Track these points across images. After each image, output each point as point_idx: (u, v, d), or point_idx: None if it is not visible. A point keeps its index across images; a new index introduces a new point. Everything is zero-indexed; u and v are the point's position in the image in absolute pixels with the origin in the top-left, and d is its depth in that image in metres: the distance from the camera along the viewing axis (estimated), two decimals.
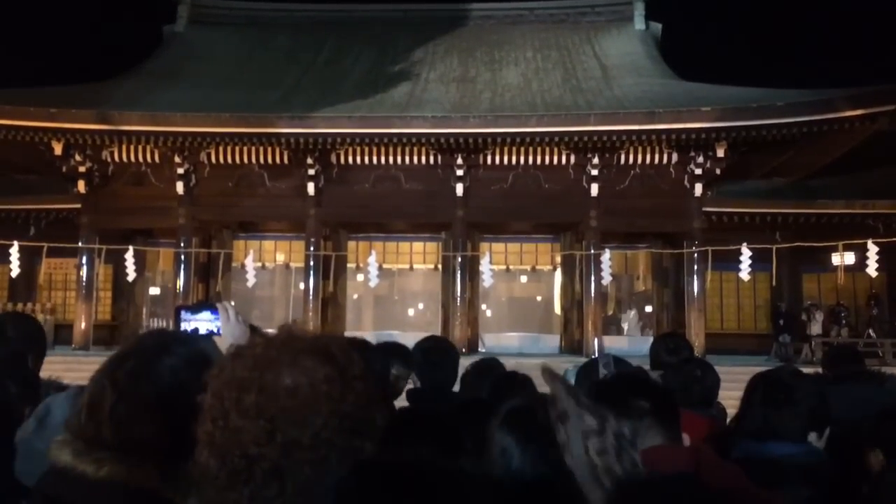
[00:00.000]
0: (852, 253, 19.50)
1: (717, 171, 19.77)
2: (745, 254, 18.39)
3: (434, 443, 1.67)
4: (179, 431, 1.28)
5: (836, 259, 19.61)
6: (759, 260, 18.57)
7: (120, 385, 1.37)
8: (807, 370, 2.86)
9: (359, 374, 1.21)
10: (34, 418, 1.94)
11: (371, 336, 19.37)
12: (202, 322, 1.85)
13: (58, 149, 19.93)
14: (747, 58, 45.46)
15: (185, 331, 1.83)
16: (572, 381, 3.29)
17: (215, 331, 1.83)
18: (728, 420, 3.59)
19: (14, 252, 18.87)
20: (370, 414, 1.21)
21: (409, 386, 3.61)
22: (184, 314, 1.87)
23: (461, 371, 3.76)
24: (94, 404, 1.38)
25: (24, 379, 2.41)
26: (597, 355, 19.41)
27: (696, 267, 19.87)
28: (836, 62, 41.05)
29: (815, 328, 20.11)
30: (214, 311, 1.85)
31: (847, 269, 19.55)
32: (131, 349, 1.46)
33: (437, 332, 20.70)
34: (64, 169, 20.38)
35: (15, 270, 19.30)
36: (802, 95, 18.76)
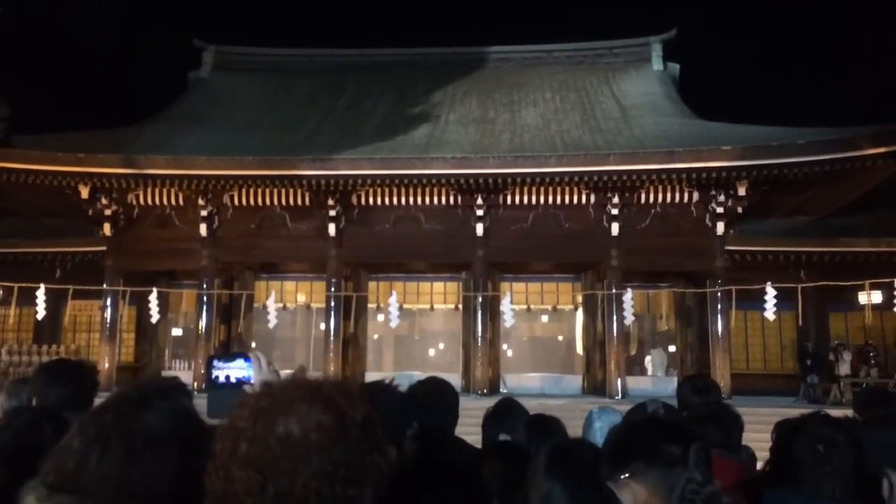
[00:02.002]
0: (879, 291, 19.19)
1: (739, 210, 19.65)
2: (770, 293, 18.14)
3: (452, 490, 1.64)
4: (152, 480, 1.32)
5: (862, 298, 19.31)
6: (784, 299, 18.31)
7: (91, 439, 1.38)
8: (836, 412, 2.79)
9: (360, 422, 1.19)
10: None
11: (391, 377, 19.29)
12: (234, 370, 1.86)
13: (84, 192, 20.29)
14: (766, 97, 45.55)
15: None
16: (597, 423, 3.24)
17: (247, 378, 1.84)
18: (758, 463, 3.50)
19: (40, 294, 19.08)
20: (370, 462, 1.18)
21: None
22: (216, 363, 1.88)
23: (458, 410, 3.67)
24: (63, 453, 1.38)
25: (61, 422, 2.49)
26: (619, 396, 19.05)
27: (719, 306, 19.64)
28: (855, 99, 40.98)
29: (844, 368, 19.71)
30: (247, 359, 1.86)
31: (874, 307, 19.23)
32: (111, 403, 1.46)
33: (459, 372, 20.68)
34: (90, 212, 20.73)
35: (41, 313, 19.50)
36: (823, 134, 18.68)
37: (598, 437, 3.04)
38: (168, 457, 1.36)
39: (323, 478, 1.13)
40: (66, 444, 1.40)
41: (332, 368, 19.92)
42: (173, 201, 21.01)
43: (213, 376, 1.86)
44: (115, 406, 1.44)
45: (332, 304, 20.61)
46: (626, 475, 1.74)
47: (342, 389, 1.23)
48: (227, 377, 1.84)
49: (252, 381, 1.81)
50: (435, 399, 3.35)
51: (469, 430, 3.76)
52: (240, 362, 1.86)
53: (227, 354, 1.92)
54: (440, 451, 2.99)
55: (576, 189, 20.04)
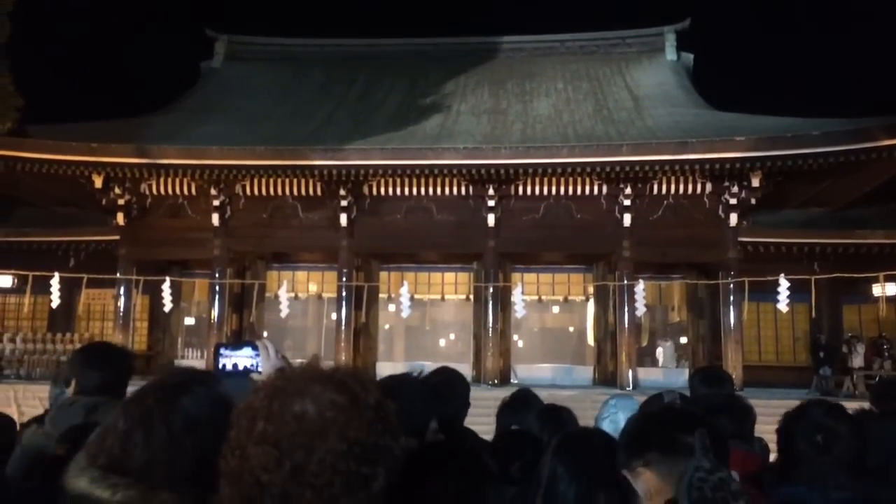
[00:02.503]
0: (894, 284, 19.05)
1: (753, 201, 19.53)
2: (783, 284, 18.04)
3: (460, 475, 1.66)
4: (191, 464, 1.38)
5: (876, 290, 19.17)
6: (797, 291, 18.21)
7: (135, 420, 1.45)
8: (849, 405, 2.77)
9: (373, 404, 1.22)
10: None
11: (402, 367, 19.37)
12: (242, 358, 1.86)
13: (98, 182, 20.40)
14: (781, 87, 45.20)
15: (209, 371, 1.84)
16: (615, 412, 3.23)
17: (254, 367, 1.84)
18: (771, 456, 3.49)
19: (55, 283, 19.24)
20: (383, 442, 1.21)
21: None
22: (223, 351, 1.89)
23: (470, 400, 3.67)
24: (108, 435, 1.45)
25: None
26: (630, 387, 19.02)
27: (732, 298, 19.56)
28: (872, 90, 40.60)
29: (857, 361, 19.60)
30: (255, 348, 1.87)
31: (889, 300, 19.10)
32: (152, 387, 1.53)
33: (469, 362, 20.73)
34: (103, 201, 20.85)
35: (55, 301, 19.66)
36: (839, 125, 18.52)
37: (613, 425, 3.03)
38: (208, 440, 1.41)
39: (339, 454, 1.16)
40: (110, 427, 1.46)
41: (344, 358, 19.99)
42: (186, 191, 21.10)
43: (220, 364, 1.86)
44: (156, 390, 1.50)
45: (344, 293, 20.66)
46: (642, 464, 1.74)
47: (355, 375, 1.27)
48: (235, 365, 1.85)
49: (260, 370, 1.82)
50: (446, 389, 3.37)
51: (480, 419, 3.77)
52: (247, 351, 1.86)
53: (235, 343, 1.93)
54: (451, 439, 3.00)
55: (588, 180, 19.97)
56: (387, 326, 24.31)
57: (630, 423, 1.98)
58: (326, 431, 1.17)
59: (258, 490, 1.16)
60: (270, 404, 1.20)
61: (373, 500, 1.19)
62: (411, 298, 19.82)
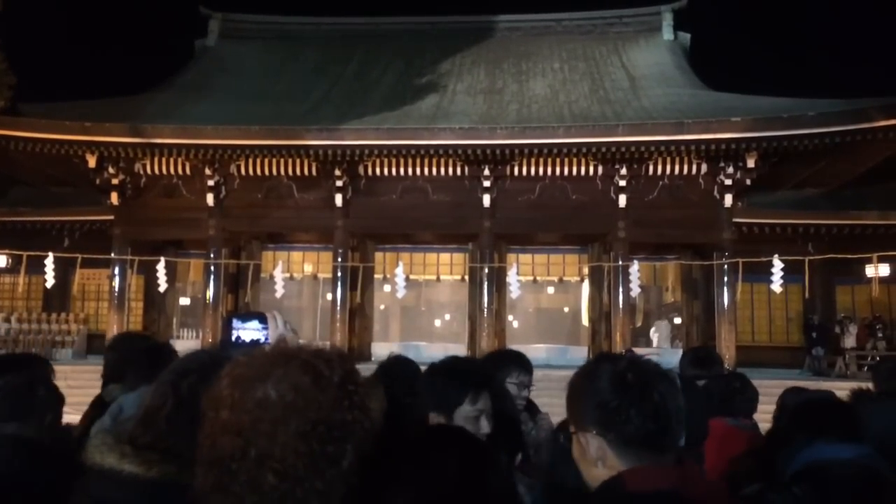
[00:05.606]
0: (887, 265, 19.15)
1: (748, 182, 19.54)
2: (777, 265, 18.12)
3: (461, 456, 1.67)
4: None
5: (870, 271, 19.27)
6: (791, 271, 18.29)
7: (181, 396, 1.49)
8: (841, 384, 2.81)
9: (337, 382, 1.22)
10: (109, 415, 2.08)
11: (397, 347, 19.43)
12: (250, 330, 1.88)
13: (92, 161, 20.29)
14: (777, 68, 45.04)
15: (235, 346, 1.87)
16: None
17: (262, 339, 1.86)
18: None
19: (49, 263, 19.19)
20: (351, 419, 1.21)
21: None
22: (235, 322, 1.91)
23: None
24: (154, 411, 1.49)
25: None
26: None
27: (726, 278, 19.63)
28: (867, 71, 40.49)
29: (849, 341, 19.76)
30: (263, 320, 1.88)
31: (882, 280, 19.20)
32: (192, 365, 1.58)
33: (464, 343, 20.77)
34: (97, 181, 20.74)
35: (50, 281, 19.62)
36: (834, 105, 18.48)
37: None
38: None
39: (301, 436, 1.17)
40: (154, 405, 1.50)
41: (339, 338, 20.03)
42: (180, 171, 20.99)
43: (231, 336, 1.87)
44: (200, 368, 1.55)
45: (339, 274, 20.66)
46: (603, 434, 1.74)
47: (320, 353, 1.27)
48: (238, 338, 1.87)
49: (269, 342, 1.84)
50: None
51: None
52: (255, 323, 1.88)
53: (245, 314, 1.95)
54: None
55: (583, 160, 19.93)
56: (382, 307, 24.35)
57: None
58: (288, 416, 1.17)
59: (229, 478, 1.17)
60: (233, 392, 1.21)
61: (344, 477, 1.20)
62: (407, 279, 19.83)
